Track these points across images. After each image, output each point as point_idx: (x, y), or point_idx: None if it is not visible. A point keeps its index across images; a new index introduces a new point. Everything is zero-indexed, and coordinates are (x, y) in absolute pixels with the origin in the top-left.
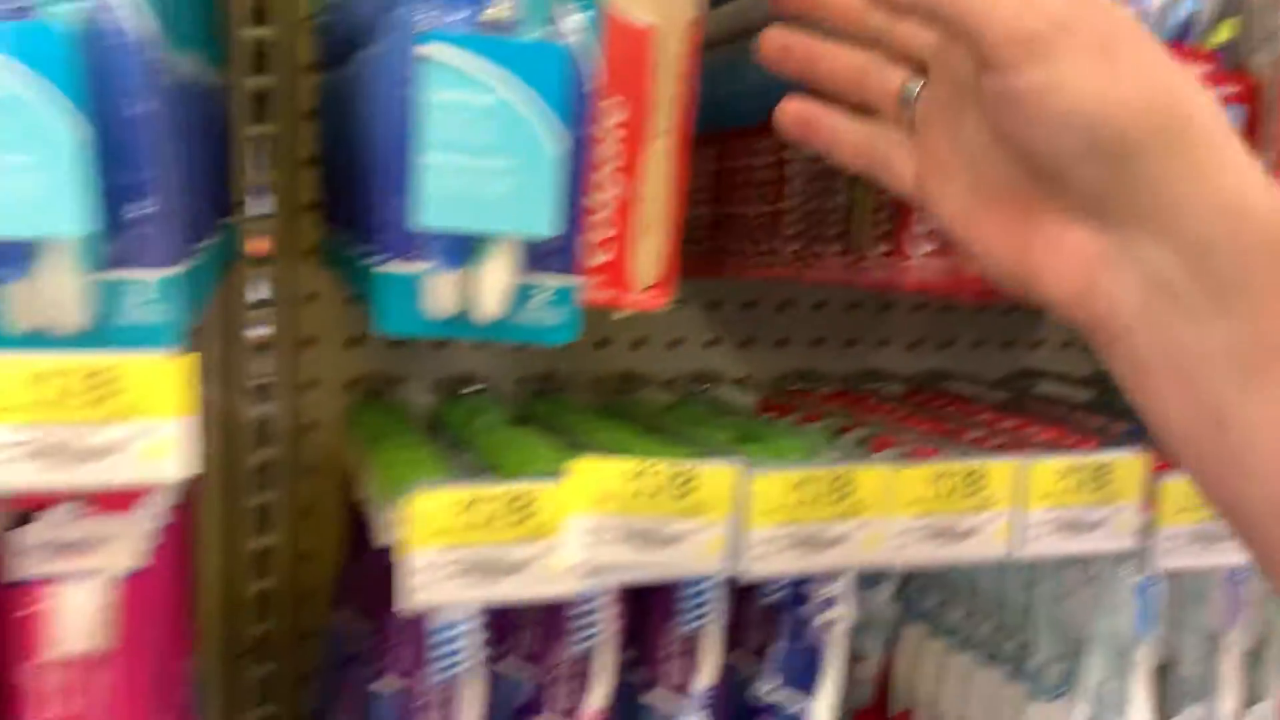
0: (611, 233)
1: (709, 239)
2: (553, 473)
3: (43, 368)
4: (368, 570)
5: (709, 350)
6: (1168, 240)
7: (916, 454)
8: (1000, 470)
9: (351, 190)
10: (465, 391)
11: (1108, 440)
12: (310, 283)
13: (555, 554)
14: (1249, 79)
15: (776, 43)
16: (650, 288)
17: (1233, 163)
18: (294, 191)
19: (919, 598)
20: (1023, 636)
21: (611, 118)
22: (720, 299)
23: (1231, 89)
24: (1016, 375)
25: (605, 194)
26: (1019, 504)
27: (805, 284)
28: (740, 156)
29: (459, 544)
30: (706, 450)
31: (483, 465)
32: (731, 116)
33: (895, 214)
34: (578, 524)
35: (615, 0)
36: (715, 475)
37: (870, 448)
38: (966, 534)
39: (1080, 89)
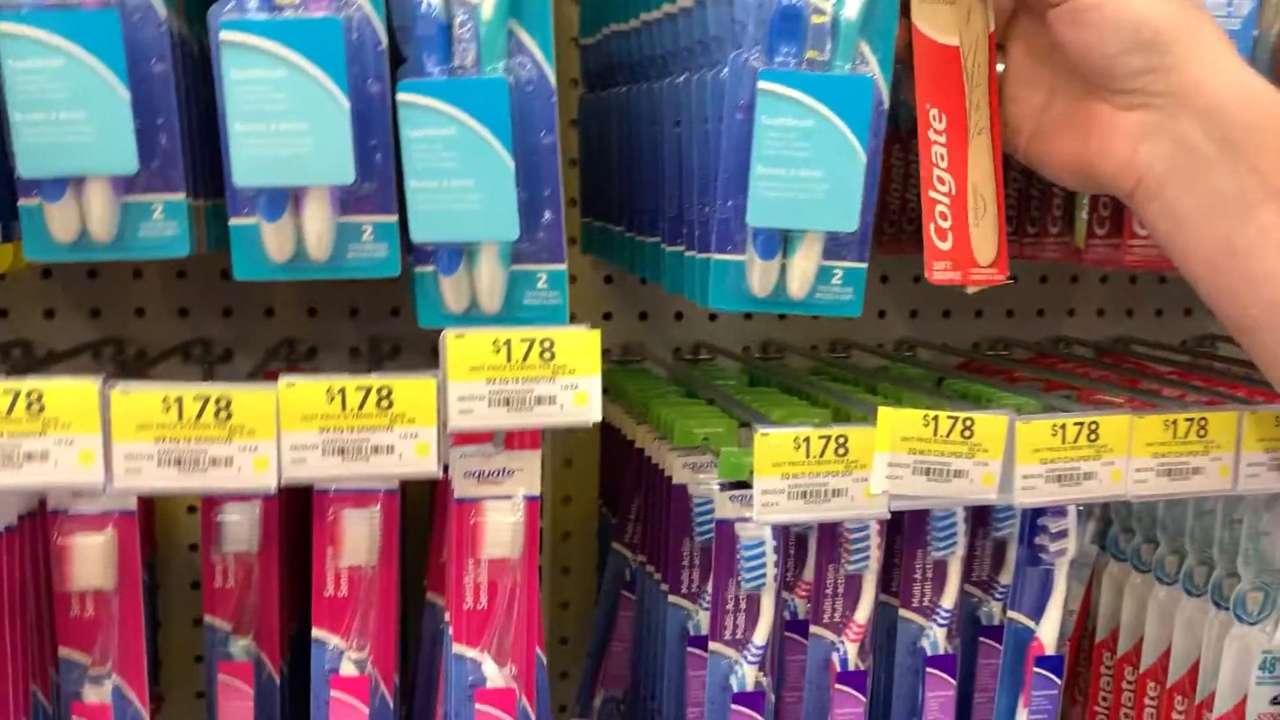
0: (950, 222)
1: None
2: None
3: (500, 337)
4: (653, 509)
5: (912, 320)
6: (1190, 110)
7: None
8: (1223, 418)
9: (653, 193)
10: (699, 358)
11: None
12: (573, 267)
13: (868, 483)
14: None
15: None
16: (990, 265)
17: (1234, 57)
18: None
19: (1121, 539)
20: (1222, 570)
21: (936, 124)
22: (920, 273)
23: None
24: (1199, 340)
25: (941, 189)
26: (1239, 448)
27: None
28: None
29: (794, 474)
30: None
31: (754, 412)
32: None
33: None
34: (883, 460)
35: (925, 26)
36: (990, 422)
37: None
38: (1195, 471)
39: (1126, 2)
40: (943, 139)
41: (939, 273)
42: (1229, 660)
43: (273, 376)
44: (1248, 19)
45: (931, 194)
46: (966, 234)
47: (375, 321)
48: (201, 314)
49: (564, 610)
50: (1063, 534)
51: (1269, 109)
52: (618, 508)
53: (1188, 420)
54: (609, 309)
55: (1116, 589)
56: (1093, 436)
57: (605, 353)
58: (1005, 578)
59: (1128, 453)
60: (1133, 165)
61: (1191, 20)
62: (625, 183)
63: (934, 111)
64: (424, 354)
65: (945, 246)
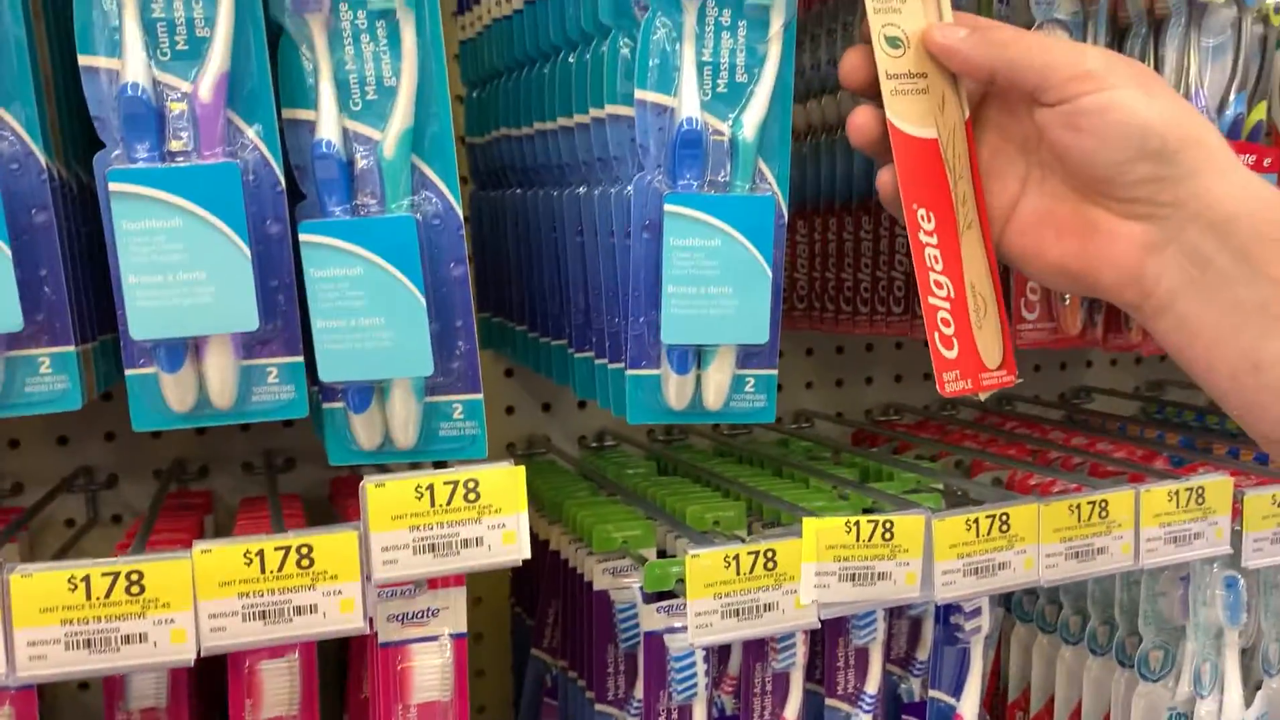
0: (953, 328)
1: (810, 298)
2: (777, 531)
3: (422, 482)
4: (573, 613)
5: (808, 391)
6: (1200, 221)
7: (1038, 489)
8: (1121, 498)
9: (556, 298)
10: (604, 445)
11: (1168, 450)
12: None
13: (796, 595)
14: None
15: (856, 120)
16: (999, 366)
17: (1240, 165)
18: None
19: (1026, 602)
20: (1124, 630)
21: (926, 224)
22: (812, 345)
23: (1269, 160)
24: (1074, 392)
25: (940, 293)
26: (1138, 525)
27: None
28: (840, 230)
29: (726, 593)
30: (876, 499)
31: (668, 513)
32: (831, 194)
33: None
34: (811, 570)
35: (900, 121)
36: (908, 522)
37: (969, 471)
38: (1100, 551)
39: (1130, 108)
40: (934, 239)
41: (950, 384)
42: (1137, 716)
43: (171, 508)
44: None
45: (931, 300)
46: (971, 338)
47: (268, 435)
48: (82, 440)
49: (480, 714)
50: (976, 613)
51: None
52: (534, 610)
53: (1090, 503)
54: (511, 402)
55: (1025, 650)
56: (1004, 527)
57: (509, 447)
58: (923, 654)
59: (1037, 540)
60: (1140, 278)
61: (1197, 128)
62: (525, 283)
63: (922, 211)
64: (320, 465)
65: (952, 355)
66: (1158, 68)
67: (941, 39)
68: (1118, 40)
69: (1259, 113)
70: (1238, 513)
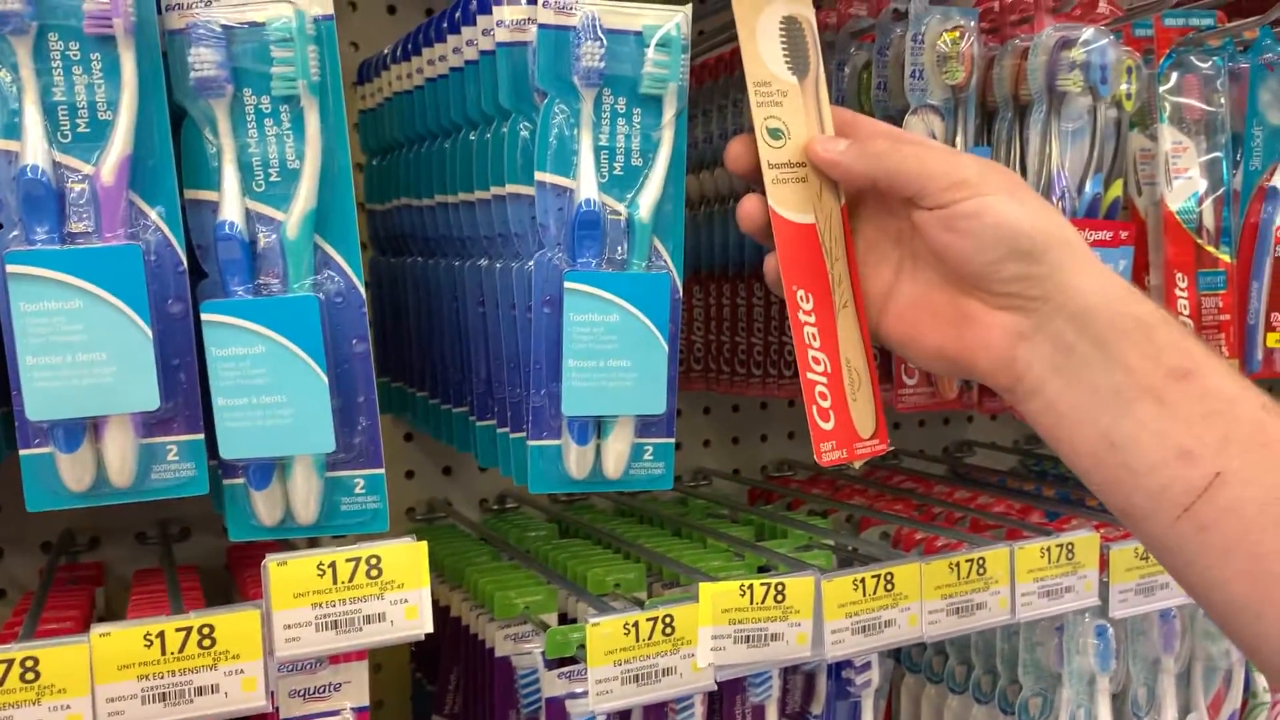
0: (830, 401)
1: (707, 360)
2: (674, 593)
3: (324, 559)
4: (474, 679)
5: (705, 449)
6: (1064, 313)
7: (923, 544)
8: (997, 555)
9: (457, 367)
10: (505, 508)
11: (1044, 503)
12: None
13: (694, 659)
14: (1137, 220)
15: (745, 208)
16: (871, 436)
17: (1097, 262)
18: None
19: (915, 653)
20: (1005, 679)
21: (804, 304)
22: (709, 404)
23: (1124, 234)
24: (957, 446)
25: (818, 369)
26: (1013, 580)
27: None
28: (734, 296)
29: (626, 659)
30: (769, 558)
31: (570, 577)
32: (722, 263)
33: None
34: (707, 633)
35: (781, 208)
36: (799, 584)
37: (858, 527)
38: (979, 607)
39: (1003, 212)
40: (812, 319)
41: (827, 454)
42: None
43: (61, 583)
44: None
45: (809, 375)
46: (847, 410)
47: (161, 504)
48: None
49: None
50: (867, 667)
51: (1132, 310)
52: (435, 676)
53: (968, 561)
54: (411, 466)
55: (914, 700)
56: (889, 586)
57: (409, 511)
58: (817, 708)
59: (920, 597)
60: (1011, 363)
61: (1061, 229)
62: (425, 350)
63: (801, 292)
64: (215, 533)
65: (829, 427)
66: (1023, 150)
67: (824, 153)
68: (987, 123)
69: (1115, 190)
70: (1105, 566)
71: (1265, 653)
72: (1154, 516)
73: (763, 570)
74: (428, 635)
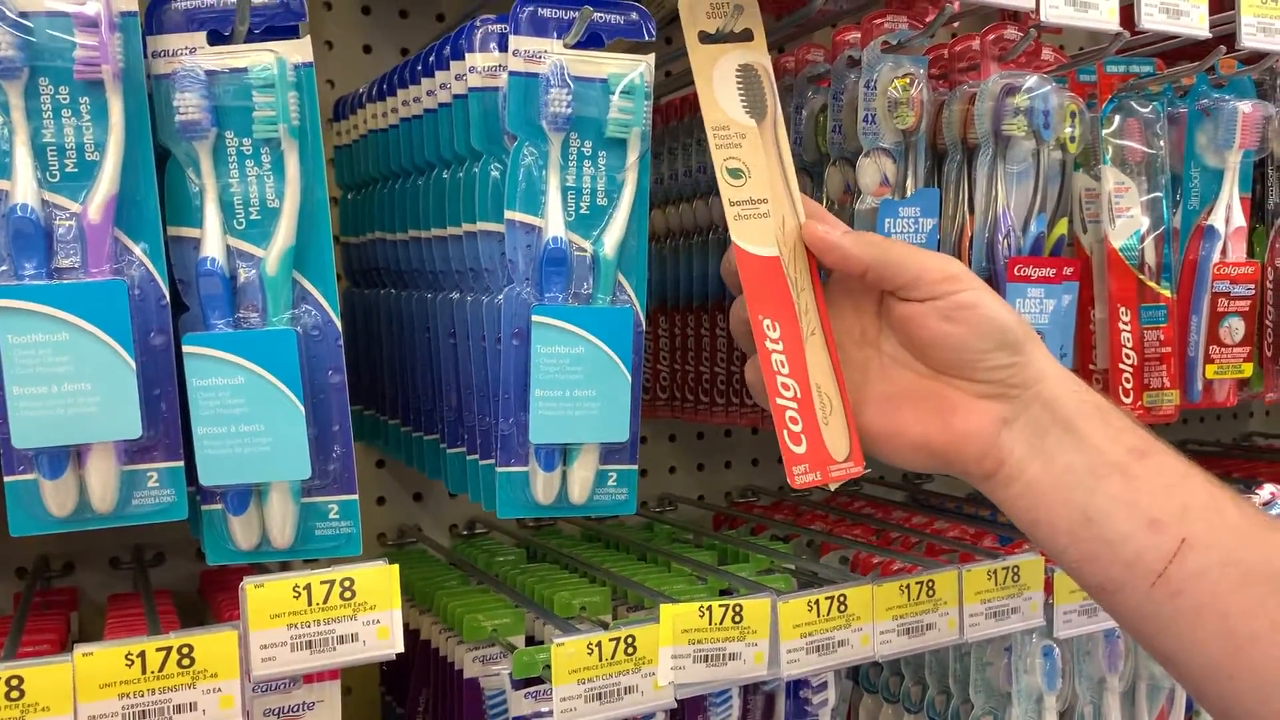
0: (801, 425)
1: (672, 389)
2: (638, 615)
3: (300, 582)
4: (443, 702)
5: (670, 476)
6: (1040, 400)
7: (880, 567)
8: (946, 578)
9: (429, 396)
10: (474, 533)
11: (998, 528)
12: None
13: (655, 677)
14: (1082, 257)
15: (727, 268)
16: (846, 459)
17: (1055, 360)
18: None
19: (872, 674)
20: (958, 698)
21: (771, 333)
22: (675, 432)
23: (1068, 270)
24: (916, 473)
25: (787, 394)
26: (961, 602)
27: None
28: (699, 326)
29: (589, 678)
30: (731, 581)
31: (537, 600)
32: (687, 295)
33: None
34: (667, 653)
35: (744, 243)
36: (756, 605)
37: (818, 552)
38: (929, 627)
39: (990, 305)
40: (780, 346)
41: (800, 477)
42: None
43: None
44: (930, 233)
45: (779, 401)
46: (819, 434)
47: (135, 529)
48: None
49: None
50: (823, 687)
51: (1090, 399)
52: (405, 699)
53: (918, 584)
54: (382, 493)
55: (872, 719)
56: (842, 607)
57: (380, 537)
58: None
59: (872, 618)
60: (996, 449)
61: (1028, 326)
62: (398, 380)
63: (767, 322)
64: (189, 558)
65: (800, 450)
66: (970, 191)
67: (825, 236)
68: (937, 164)
69: (1060, 228)
70: (1050, 588)
71: (1237, 714)
72: (1129, 586)
73: (725, 594)
74: (397, 658)
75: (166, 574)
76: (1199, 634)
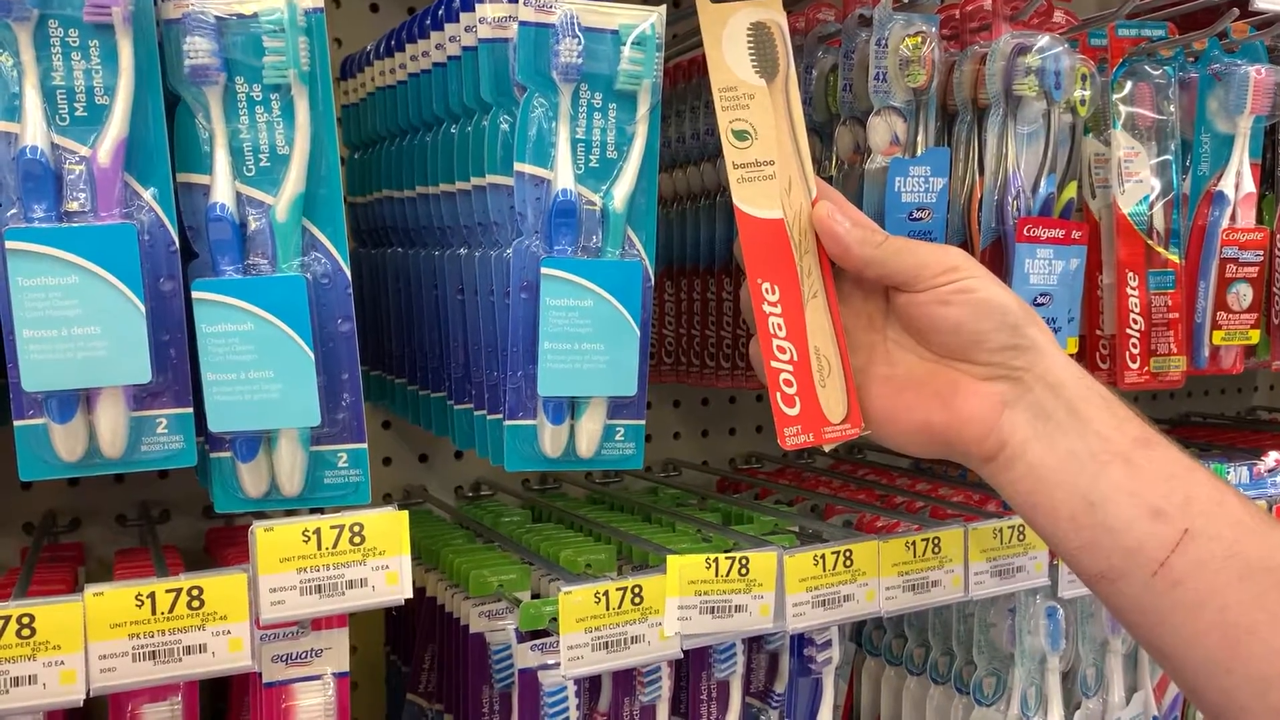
0: (795, 388)
1: (678, 354)
2: (647, 565)
3: (309, 526)
4: (449, 657)
5: (675, 441)
6: (1043, 383)
7: (884, 530)
8: (952, 535)
9: (436, 353)
10: (480, 495)
11: None
12: None
13: (661, 627)
14: (1091, 221)
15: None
16: (843, 421)
17: (1059, 347)
18: None
19: (875, 637)
20: (961, 659)
21: (770, 296)
22: (680, 397)
23: (1077, 233)
24: None
25: (783, 358)
26: (967, 559)
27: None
28: (704, 290)
29: (596, 626)
30: (736, 540)
31: (543, 557)
32: (694, 258)
33: None
34: (674, 604)
35: (746, 205)
36: (762, 558)
37: (823, 515)
38: (934, 584)
39: (990, 289)
40: (778, 309)
41: (791, 438)
42: None
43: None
44: (940, 192)
45: (773, 364)
46: (814, 396)
47: (142, 486)
48: None
49: None
50: (828, 644)
51: (1094, 386)
52: (410, 656)
53: (924, 540)
54: (388, 454)
55: (875, 682)
56: (848, 562)
57: (386, 497)
58: (780, 686)
59: (878, 574)
60: (997, 430)
61: (1030, 310)
62: (405, 338)
63: (766, 285)
64: (195, 516)
65: (794, 412)
66: (980, 151)
67: (831, 225)
68: (947, 125)
69: (1070, 191)
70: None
71: (1233, 711)
72: (1130, 575)
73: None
74: (402, 617)
75: (173, 531)
76: (1198, 625)
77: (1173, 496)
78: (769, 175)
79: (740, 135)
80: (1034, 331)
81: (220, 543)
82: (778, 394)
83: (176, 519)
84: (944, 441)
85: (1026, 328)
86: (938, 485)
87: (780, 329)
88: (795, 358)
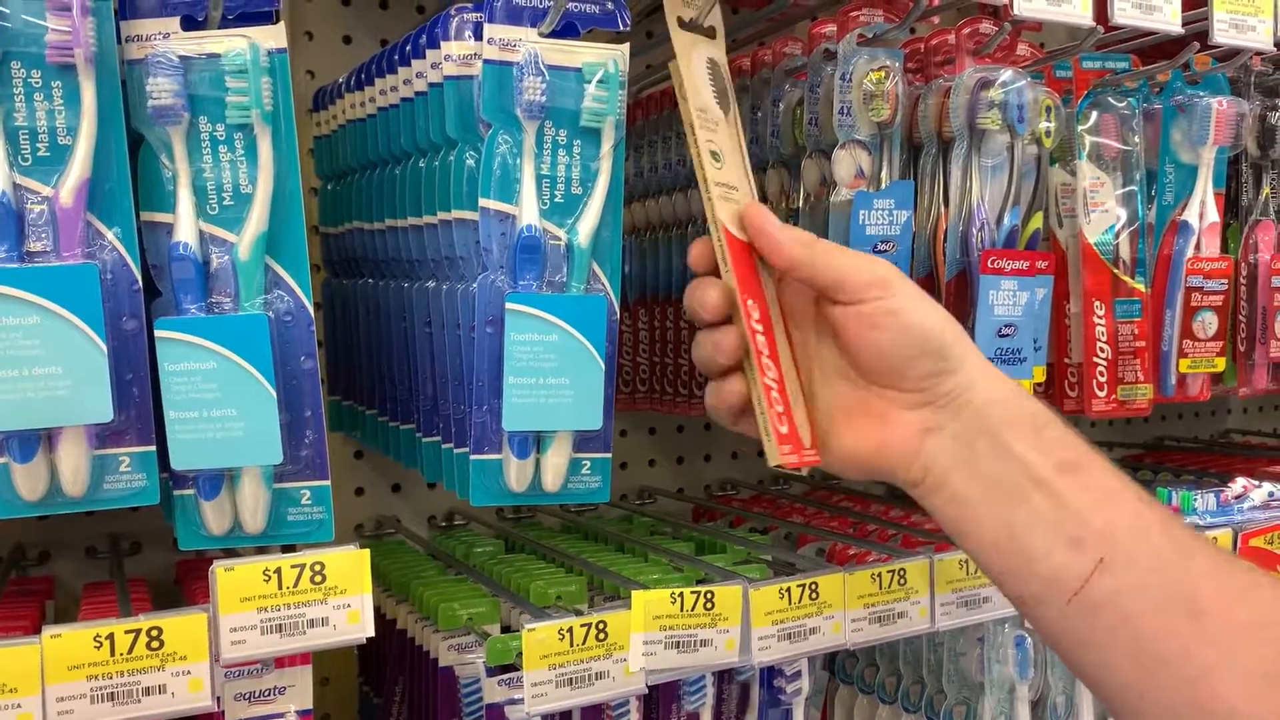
0: (782, 406)
1: (651, 381)
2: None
3: (270, 565)
4: (418, 690)
5: (650, 469)
6: (969, 409)
7: (855, 559)
8: (918, 567)
9: (405, 385)
10: (452, 525)
11: None
12: None
13: (626, 663)
14: (1058, 251)
15: (695, 251)
16: (810, 447)
17: (992, 367)
18: None
19: (848, 665)
20: (932, 688)
21: (754, 314)
22: (654, 424)
23: (1042, 264)
24: None
25: (770, 376)
26: (933, 591)
27: None
28: (677, 319)
29: (560, 663)
30: (707, 571)
31: (513, 589)
32: (666, 287)
33: None
34: (639, 639)
35: (730, 224)
36: (727, 592)
37: (795, 543)
38: (900, 616)
39: (916, 311)
40: (760, 328)
41: (785, 456)
42: None
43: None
44: (905, 225)
45: (765, 381)
46: (792, 417)
47: (112, 518)
48: None
49: None
50: (798, 675)
51: (1025, 408)
52: (381, 688)
53: (889, 572)
54: (361, 484)
55: (847, 711)
56: (814, 595)
57: (358, 528)
58: (750, 717)
59: (844, 606)
60: (920, 456)
61: (959, 332)
62: (375, 369)
63: (750, 303)
64: (165, 548)
65: (785, 430)
66: (945, 184)
67: (762, 221)
68: (913, 157)
69: (1036, 222)
70: None
71: None
72: (1048, 602)
73: (701, 583)
74: (374, 649)
75: (143, 563)
76: (1113, 653)
77: (1092, 524)
78: (736, 200)
79: (715, 156)
80: (962, 354)
81: (191, 575)
82: (773, 410)
83: (148, 551)
84: (872, 468)
85: (952, 350)
86: (910, 513)
87: (765, 348)
88: (777, 377)
